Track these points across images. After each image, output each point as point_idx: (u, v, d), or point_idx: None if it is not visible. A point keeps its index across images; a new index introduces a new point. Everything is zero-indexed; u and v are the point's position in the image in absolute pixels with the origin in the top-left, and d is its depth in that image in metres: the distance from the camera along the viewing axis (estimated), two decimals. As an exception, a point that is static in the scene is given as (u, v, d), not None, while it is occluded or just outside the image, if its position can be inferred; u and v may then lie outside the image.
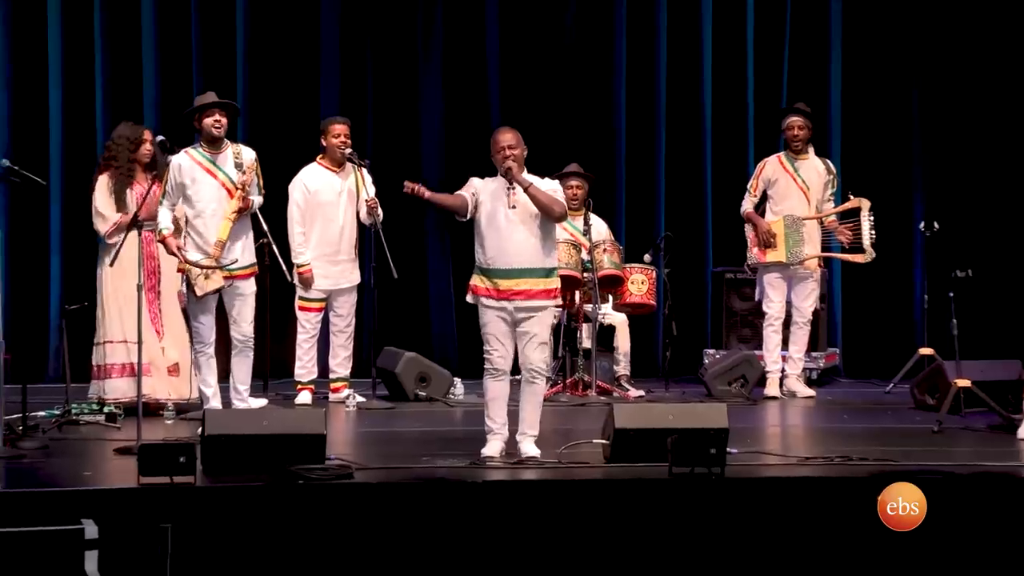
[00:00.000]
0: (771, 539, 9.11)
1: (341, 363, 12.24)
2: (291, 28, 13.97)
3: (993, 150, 12.97)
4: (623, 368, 12.98)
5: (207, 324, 11.37)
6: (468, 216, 9.73)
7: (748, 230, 12.92)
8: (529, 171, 9.84)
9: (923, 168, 14.59)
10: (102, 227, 11.47)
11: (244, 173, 11.36)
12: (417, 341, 13.35)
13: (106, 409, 11.21)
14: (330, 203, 12.03)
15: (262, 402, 11.78)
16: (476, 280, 9.84)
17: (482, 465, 9.75)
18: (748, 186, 13.02)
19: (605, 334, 12.95)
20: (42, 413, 11.18)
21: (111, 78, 13.68)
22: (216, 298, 11.34)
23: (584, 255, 12.59)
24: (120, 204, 11.42)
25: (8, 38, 13.50)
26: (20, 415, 10.65)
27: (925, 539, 8.97)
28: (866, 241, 12.77)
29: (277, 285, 12.28)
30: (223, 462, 9.21)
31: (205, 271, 11.21)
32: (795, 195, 12.75)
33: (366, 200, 11.91)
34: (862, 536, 9.15)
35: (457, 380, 12.63)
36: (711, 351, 13.79)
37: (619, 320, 13.05)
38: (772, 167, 12.89)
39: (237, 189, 11.32)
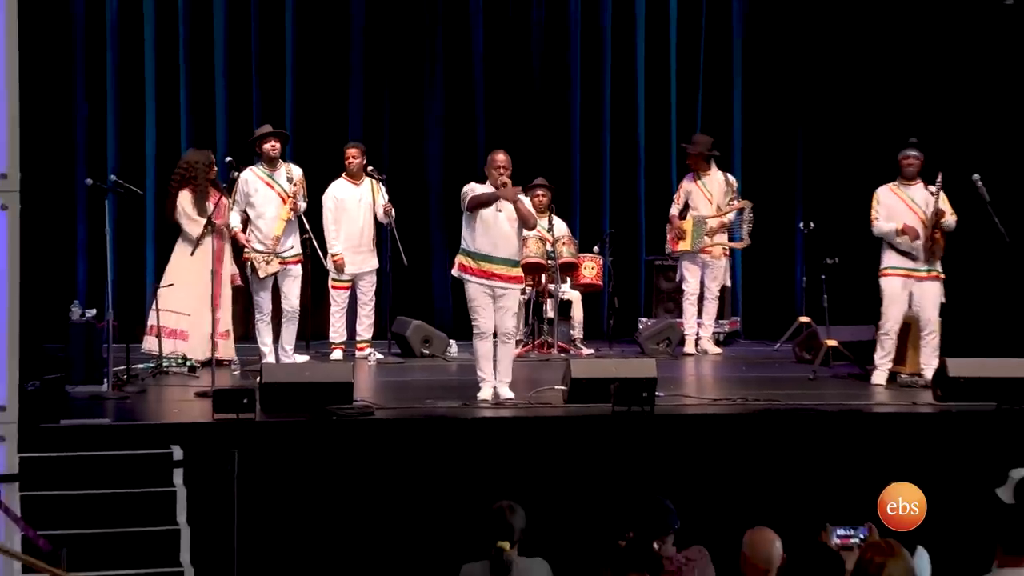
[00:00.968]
0: (688, 460, 9.18)
1: (365, 329, 12.16)
2: (326, 71, 13.86)
3: (853, 171, 12.97)
4: (578, 332, 12.94)
5: (265, 298, 11.44)
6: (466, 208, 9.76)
7: (668, 228, 13.01)
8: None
9: (803, 182, 14.55)
10: (195, 230, 11.32)
11: (294, 186, 11.42)
12: (422, 312, 13.27)
13: (188, 363, 11.20)
14: (352, 208, 11.95)
15: (304, 358, 11.74)
16: (462, 259, 9.84)
17: (471, 405, 9.77)
18: (674, 197, 13.07)
19: (564, 307, 12.94)
20: (140, 366, 11.15)
21: (192, 111, 13.62)
22: (272, 279, 11.41)
23: (548, 247, 12.62)
24: (201, 212, 11.40)
25: (116, 79, 13.41)
26: (124, 367, 10.69)
27: (800, 465, 9.03)
28: (744, 232, 12.88)
29: (316, 270, 12.27)
30: (276, 403, 9.24)
31: (266, 258, 11.29)
32: (703, 202, 12.79)
33: (383, 204, 11.90)
34: (753, 458, 9.28)
35: (452, 341, 12.57)
36: (644, 319, 13.73)
37: (575, 296, 13.02)
38: (687, 183, 12.96)
39: (289, 198, 11.38)
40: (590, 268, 13.00)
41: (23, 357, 8.36)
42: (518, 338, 11.51)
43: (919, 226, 10.73)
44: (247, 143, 11.80)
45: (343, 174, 12.03)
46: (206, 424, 9.01)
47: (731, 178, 12.99)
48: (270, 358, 11.28)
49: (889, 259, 10.91)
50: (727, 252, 12.94)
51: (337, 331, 12.10)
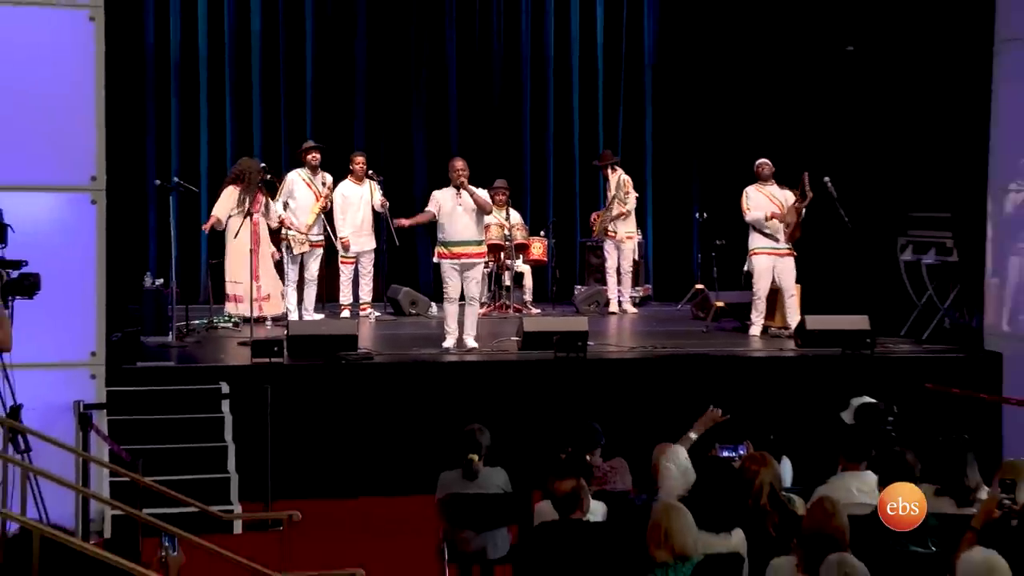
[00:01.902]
0: (612, 393, 9.26)
1: (366, 294, 12.02)
2: (336, 96, 13.77)
3: (735, 175, 13.00)
4: (528, 297, 12.89)
5: (295, 270, 11.46)
6: (435, 219, 9.87)
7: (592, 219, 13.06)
8: (471, 182, 9.92)
9: (699, 182, 14.55)
10: (221, 214, 11.14)
11: (326, 188, 11.49)
12: (410, 280, 13.23)
13: (232, 320, 11.20)
14: (356, 203, 11.79)
15: (320, 316, 11.71)
16: (440, 248, 9.92)
17: (446, 352, 9.83)
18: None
19: (518, 277, 12.88)
20: (196, 321, 11.13)
21: (235, 126, 13.50)
22: (301, 256, 11.45)
23: (506, 232, 12.61)
24: (240, 204, 11.15)
25: (178, 100, 13.30)
26: (184, 323, 10.68)
27: (695, 397, 9.06)
28: (629, 207, 12.57)
29: (329, 250, 12.24)
30: (299, 350, 9.24)
31: (299, 240, 11.33)
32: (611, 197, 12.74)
33: (380, 200, 11.81)
34: (661, 391, 9.34)
35: (433, 304, 12.43)
36: (578, 287, 13.65)
37: (526, 269, 12.96)
38: (610, 182, 12.89)
39: (322, 197, 11.43)
40: (538, 248, 13.00)
41: (109, 315, 8.44)
42: (482, 301, 11.55)
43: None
44: (296, 152, 11.84)
45: (349, 176, 11.93)
46: (246, 366, 9.06)
47: (624, 177, 12.71)
48: (294, 316, 11.29)
49: (756, 241, 10.98)
50: (631, 236, 12.88)
51: (345, 296, 12.00)
